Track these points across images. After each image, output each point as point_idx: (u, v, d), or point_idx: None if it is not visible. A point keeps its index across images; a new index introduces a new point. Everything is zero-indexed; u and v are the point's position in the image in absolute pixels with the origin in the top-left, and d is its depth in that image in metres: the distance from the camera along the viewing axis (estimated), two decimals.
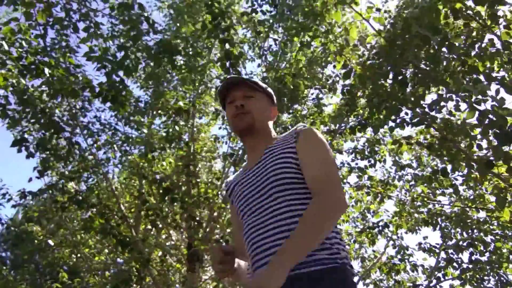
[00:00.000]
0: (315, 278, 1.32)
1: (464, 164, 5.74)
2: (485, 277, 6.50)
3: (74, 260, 8.85)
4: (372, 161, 6.66)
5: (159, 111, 7.47)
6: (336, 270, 1.34)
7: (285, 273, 1.23)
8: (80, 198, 6.15)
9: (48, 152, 5.80)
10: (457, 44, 4.40)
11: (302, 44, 6.93)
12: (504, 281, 6.44)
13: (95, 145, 6.94)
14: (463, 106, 4.51)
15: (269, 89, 1.77)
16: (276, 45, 7.73)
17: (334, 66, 6.18)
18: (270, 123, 1.73)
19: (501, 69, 4.57)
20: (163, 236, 9.68)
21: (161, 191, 6.59)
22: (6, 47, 4.72)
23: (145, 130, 7.30)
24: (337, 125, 7.25)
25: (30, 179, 6.54)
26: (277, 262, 1.25)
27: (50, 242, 8.27)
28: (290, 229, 1.38)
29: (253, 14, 6.62)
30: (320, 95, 8.10)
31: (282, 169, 1.49)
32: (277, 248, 1.37)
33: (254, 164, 1.62)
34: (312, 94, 8.21)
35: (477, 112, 3.93)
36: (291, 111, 7.98)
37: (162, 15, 9.11)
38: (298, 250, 1.28)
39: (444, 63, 4.59)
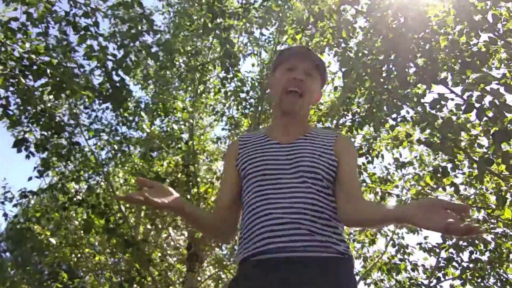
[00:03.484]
0: (334, 262, 1.34)
1: (464, 162, 5.75)
2: (485, 276, 6.49)
3: (75, 260, 8.83)
4: (370, 158, 6.63)
5: (159, 111, 7.48)
6: (349, 260, 1.40)
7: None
8: (81, 198, 6.15)
9: (48, 152, 5.80)
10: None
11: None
12: (504, 280, 6.43)
13: (96, 145, 6.94)
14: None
15: (326, 73, 1.69)
16: (271, 38, 7.71)
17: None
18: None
19: (502, 66, 4.57)
20: (163, 236, 9.67)
21: None
22: (7, 47, 4.73)
23: (147, 130, 7.30)
24: (333, 121, 7.25)
25: (30, 178, 6.53)
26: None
27: (52, 240, 8.27)
28: (309, 215, 1.37)
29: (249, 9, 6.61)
30: None
31: (319, 163, 1.46)
32: (295, 229, 1.35)
33: (287, 142, 1.54)
34: None
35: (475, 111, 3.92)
36: None
37: (162, 17, 9.12)
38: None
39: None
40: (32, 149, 5.65)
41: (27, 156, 5.75)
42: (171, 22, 8.81)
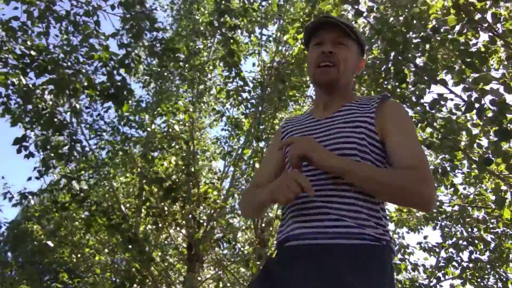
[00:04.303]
0: (363, 251, 1.22)
1: (464, 162, 5.76)
2: (485, 276, 6.50)
3: (74, 260, 8.84)
4: None
5: (160, 111, 7.49)
6: (383, 248, 1.25)
7: (334, 163, 1.24)
8: (82, 197, 6.14)
9: (48, 152, 5.80)
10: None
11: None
12: (504, 279, 6.43)
13: (97, 144, 6.94)
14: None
15: (362, 36, 1.54)
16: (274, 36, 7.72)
17: None
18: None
19: (500, 67, 4.58)
20: (163, 236, 9.67)
21: (161, 192, 6.60)
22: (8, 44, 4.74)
23: (148, 129, 7.31)
24: None
25: (30, 178, 6.50)
26: (338, 157, 1.26)
27: (50, 243, 8.27)
28: (338, 196, 1.29)
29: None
30: None
31: (354, 136, 1.34)
32: (323, 214, 1.28)
33: (325, 117, 1.47)
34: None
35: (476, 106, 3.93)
36: (290, 109, 8.00)
37: (165, 14, 9.12)
38: (361, 172, 1.23)
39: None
40: (32, 149, 5.65)
41: (27, 156, 5.74)
42: (174, 22, 8.84)
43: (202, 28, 7.67)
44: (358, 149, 1.33)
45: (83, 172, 6.67)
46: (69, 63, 5.01)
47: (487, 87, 3.87)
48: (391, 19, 5.11)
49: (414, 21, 4.59)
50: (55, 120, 5.24)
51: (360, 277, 1.15)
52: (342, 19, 1.49)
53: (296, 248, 1.28)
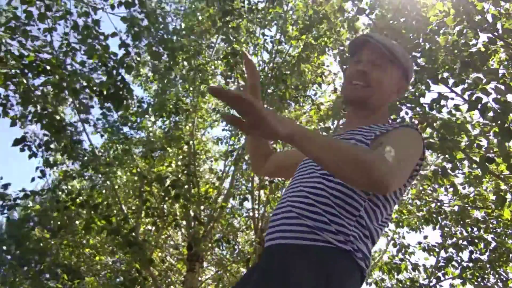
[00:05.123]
0: (318, 252, 1.17)
1: (464, 162, 5.75)
2: (485, 276, 6.49)
3: (75, 260, 8.84)
4: None
5: (160, 111, 7.49)
6: (342, 253, 1.18)
7: (285, 129, 1.05)
8: (84, 198, 6.12)
9: (52, 151, 5.79)
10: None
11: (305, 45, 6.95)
12: (504, 279, 6.43)
13: (103, 144, 6.94)
14: (464, 107, 4.51)
15: (408, 62, 1.47)
16: (273, 39, 7.72)
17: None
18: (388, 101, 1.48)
19: (501, 67, 4.58)
20: (163, 236, 9.68)
21: (162, 191, 6.60)
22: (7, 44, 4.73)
23: (150, 128, 7.31)
24: (335, 122, 7.26)
25: (33, 179, 6.47)
26: (291, 121, 1.11)
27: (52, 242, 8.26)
28: (308, 200, 1.25)
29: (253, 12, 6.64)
30: (318, 93, 8.17)
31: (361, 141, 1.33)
32: (286, 217, 1.25)
33: (346, 130, 1.44)
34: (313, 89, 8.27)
35: (478, 107, 3.92)
36: (291, 109, 8.00)
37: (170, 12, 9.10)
38: (314, 138, 1.08)
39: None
40: (34, 148, 5.64)
41: (30, 156, 5.73)
42: (178, 20, 8.82)
43: (205, 27, 7.66)
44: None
45: (86, 170, 6.63)
46: (68, 64, 5.00)
47: (488, 87, 3.87)
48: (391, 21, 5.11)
49: (414, 22, 4.59)
50: (56, 120, 5.24)
51: (291, 279, 1.10)
52: (386, 39, 1.46)
53: (265, 250, 1.30)
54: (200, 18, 7.81)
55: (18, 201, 6.11)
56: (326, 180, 1.27)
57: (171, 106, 7.25)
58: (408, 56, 1.51)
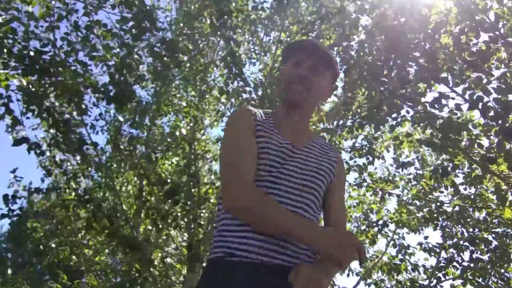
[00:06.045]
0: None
1: (465, 162, 5.75)
2: (487, 276, 6.47)
3: (75, 260, 8.82)
4: (371, 158, 6.59)
5: (161, 111, 7.48)
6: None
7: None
8: (86, 199, 6.10)
9: (58, 149, 5.77)
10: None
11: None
12: (506, 279, 6.41)
13: (107, 142, 6.92)
14: (465, 106, 4.51)
15: (338, 67, 1.61)
16: (274, 44, 7.72)
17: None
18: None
19: (502, 66, 4.58)
20: (163, 237, 9.66)
21: (162, 194, 6.58)
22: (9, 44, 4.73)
23: (153, 129, 7.29)
24: (335, 122, 7.26)
25: (43, 180, 6.47)
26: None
27: (52, 244, 8.23)
28: None
29: (258, 11, 6.63)
30: None
31: (327, 178, 1.53)
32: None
33: (299, 145, 1.52)
34: None
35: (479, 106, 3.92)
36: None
37: (164, 15, 9.10)
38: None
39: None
40: (44, 147, 5.62)
41: (38, 155, 5.72)
42: (174, 20, 8.81)
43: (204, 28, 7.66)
44: (324, 185, 1.51)
45: (89, 169, 6.61)
46: (70, 64, 5.00)
47: (490, 87, 3.87)
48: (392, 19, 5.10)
49: (414, 22, 4.59)
50: (60, 120, 5.23)
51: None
52: (325, 47, 1.56)
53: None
54: (196, 24, 7.80)
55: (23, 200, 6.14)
56: None
57: (170, 106, 7.25)
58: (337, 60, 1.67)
